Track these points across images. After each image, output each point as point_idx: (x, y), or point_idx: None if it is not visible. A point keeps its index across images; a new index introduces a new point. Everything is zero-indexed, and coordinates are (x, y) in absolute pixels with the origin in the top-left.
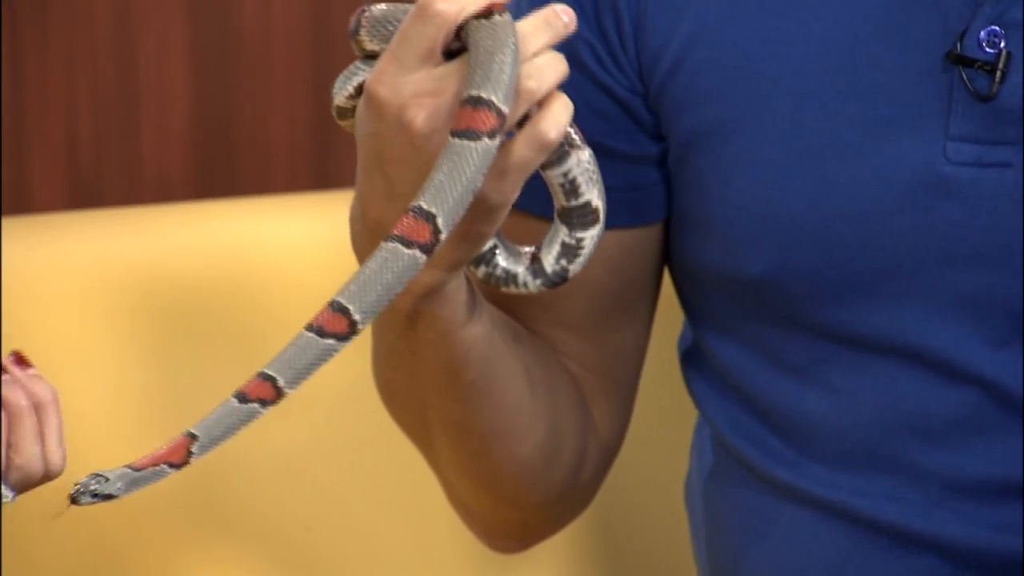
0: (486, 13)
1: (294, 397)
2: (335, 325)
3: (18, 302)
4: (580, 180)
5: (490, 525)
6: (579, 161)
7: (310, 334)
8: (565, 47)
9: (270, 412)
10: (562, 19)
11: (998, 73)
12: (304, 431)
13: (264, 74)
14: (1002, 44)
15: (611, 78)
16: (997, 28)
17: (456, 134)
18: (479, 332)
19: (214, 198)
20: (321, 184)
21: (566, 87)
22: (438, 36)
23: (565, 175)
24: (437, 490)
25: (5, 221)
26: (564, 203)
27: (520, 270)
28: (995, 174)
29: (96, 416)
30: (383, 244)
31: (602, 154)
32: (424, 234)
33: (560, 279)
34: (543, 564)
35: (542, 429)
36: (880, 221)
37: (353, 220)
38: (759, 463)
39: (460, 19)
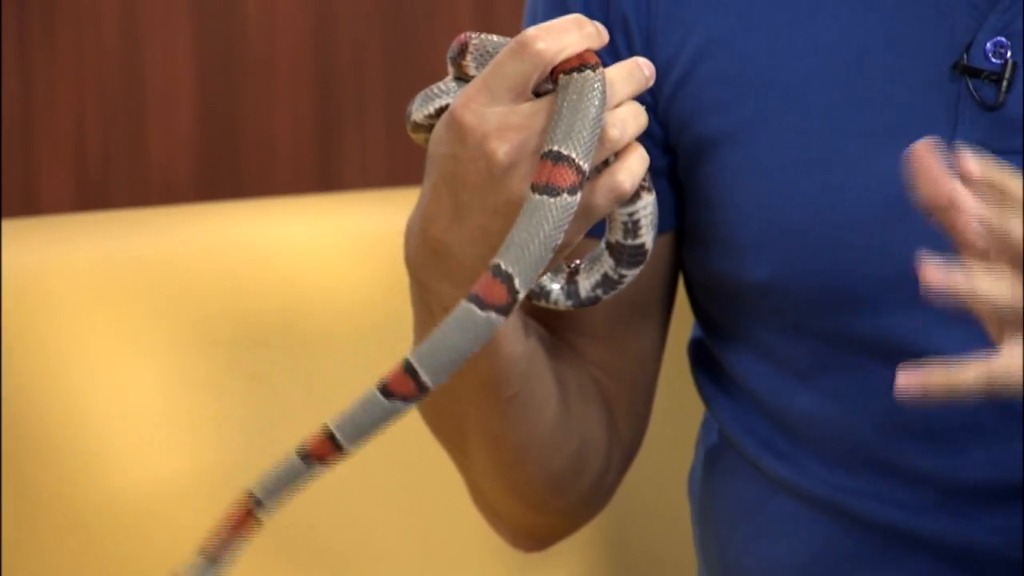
0: (578, 65)
1: (298, 397)
2: (402, 386)
3: (25, 303)
4: (643, 223)
5: (516, 528)
6: (647, 204)
7: (376, 393)
8: None
9: (271, 410)
10: (644, 72)
11: (1004, 83)
12: (307, 428)
13: (269, 77)
14: (1008, 54)
15: None
16: (1003, 39)
17: (537, 188)
18: (521, 351)
19: (219, 200)
20: (325, 186)
21: None
22: (532, 74)
23: (631, 215)
24: (442, 487)
25: (12, 223)
26: (620, 239)
27: (555, 288)
28: None
29: (101, 417)
30: (462, 303)
31: None
32: (500, 295)
33: (590, 303)
34: (549, 559)
35: (574, 441)
36: (885, 228)
37: (410, 235)
38: (763, 460)
39: (557, 61)
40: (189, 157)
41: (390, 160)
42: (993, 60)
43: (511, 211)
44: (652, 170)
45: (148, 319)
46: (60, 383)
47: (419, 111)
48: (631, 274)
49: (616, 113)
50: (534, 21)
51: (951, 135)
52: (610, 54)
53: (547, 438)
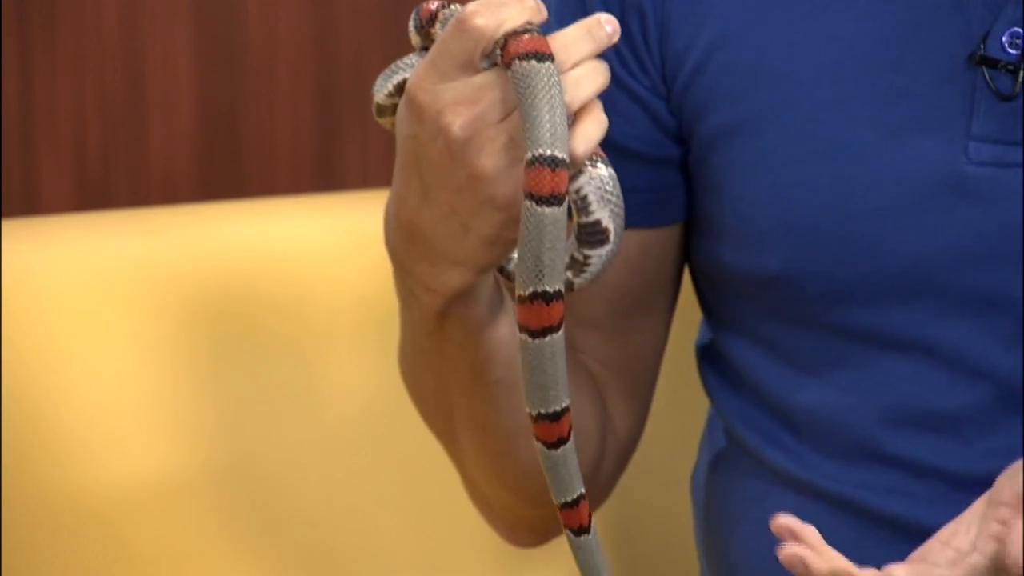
0: (535, 52)
1: (298, 396)
2: (541, 433)
3: (25, 303)
4: (591, 199)
5: (511, 521)
6: (591, 179)
7: (539, 447)
8: None
9: (273, 410)
10: (605, 29)
11: (1021, 73)
12: (309, 427)
13: (269, 77)
14: None
15: (635, 80)
16: (1019, 29)
17: (543, 201)
18: (505, 333)
19: (220, 199)
20: (325, 186)
21: None
22: (475, 50)
23: (577, 192)
24: (443, 487)
25: (12, 223)
26: (576, 219)
27: None
28: (1014, 174)
29: (102, 417)
30: (529, 341)
31: (624, 155)
32: (558, 313)
33: (566, 288)
34: (548, 559)
35: None
36: (897, 220)
37: (387, 217)
38: (768, 455)
39: (499, 34)
40: (189, 157)
41: (390, 160)
42: (1009, 51)
43: (475, 187)
44: (665, 161)
45: (148, 319)
46: (60, 383)
47: (380, 92)
48: (595, 255)
49: (570, 76)
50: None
51: (966, 125)
52: (625, 43)
53: None
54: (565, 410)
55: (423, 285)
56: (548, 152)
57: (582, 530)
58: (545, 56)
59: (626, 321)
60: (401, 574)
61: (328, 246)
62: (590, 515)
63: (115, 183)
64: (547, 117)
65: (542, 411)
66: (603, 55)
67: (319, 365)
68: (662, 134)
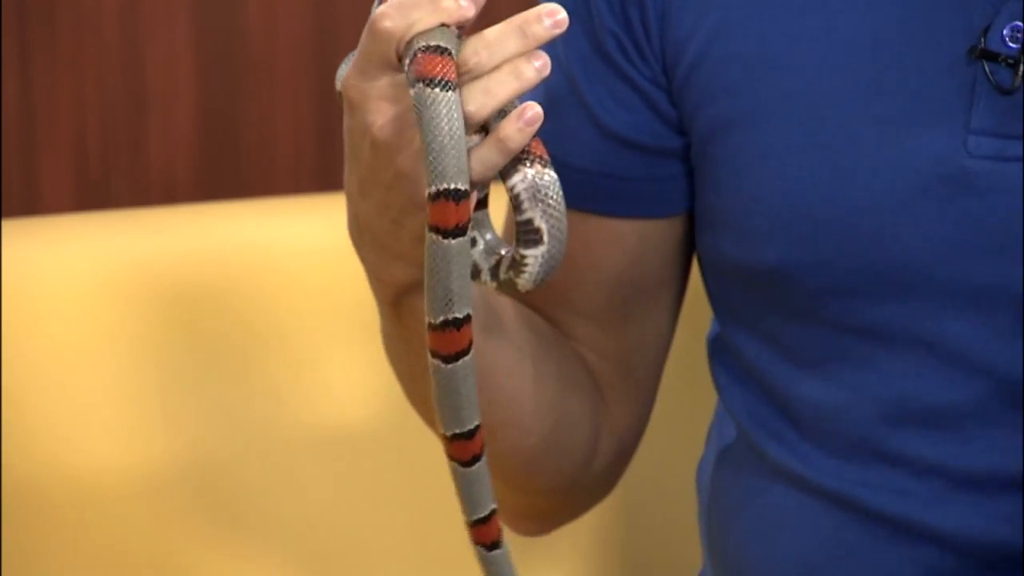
0: (441, 78)
1: (297, 396)
2: (457, 453)
3: (25, 303)
4: (523, 197)
5: (505, 508)
6: (524, 178)
7: (454, 466)
8: (591, 40)
9: (272, 409)
10: (543, 24)
11: (1021, 67)
12: (307, 426)
13: (269, 77)
14: None
15: (635, 70)
16: (1020, 23)
17: (447, 233)
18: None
19: (220, 199)
20: (325, 186)
21: (592, 78)
22: (388, 51)
23: (511, 189)
24: (443, 486)
25: (12, 223)
26: (514, 216)
27: (485, 267)
28: (1013, 168)
29: (102, 416)
30: (440, 366)
31: (623, 145)
32: (465, 339)
33: (510, 288)
34: (552, 551)
35: (548, 420)
36: (897, 214)
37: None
38: (772, 452)
39: (409, 36)
40: (189, 157)
41: None
42: (1010, 45)
43: (402, 186)
44: (665, 152)
45: (147, 319)
46: (59, 382)
47: (339, 79)
48: (530, 254)
49: (477, 84)
50: None
51: (966, 119)
52: (625, 31)
53: (512, 418)
54: (478, 427)
55: (374, 275)
56: (452, 186)
57: (495, 545)
58: (447, 83)
59: (625, 312)
60: (397, 574)
61: (328, 246)
62: (500, 529)
63: (115, 183)
64: (450, 150)
65: (457, 431)
66: (603, 45)
67: (318, 364)
68: (663, 125)
